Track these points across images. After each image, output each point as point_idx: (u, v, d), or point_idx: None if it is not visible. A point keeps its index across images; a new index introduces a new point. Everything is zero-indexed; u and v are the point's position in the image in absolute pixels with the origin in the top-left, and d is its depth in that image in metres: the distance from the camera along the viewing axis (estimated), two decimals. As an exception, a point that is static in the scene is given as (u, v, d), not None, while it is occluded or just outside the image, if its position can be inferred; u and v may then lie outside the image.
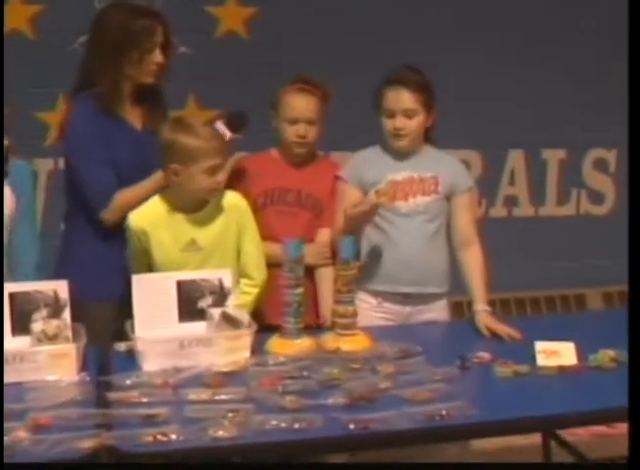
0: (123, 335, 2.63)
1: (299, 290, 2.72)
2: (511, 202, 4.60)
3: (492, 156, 4.35)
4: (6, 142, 2.64)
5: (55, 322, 2.50)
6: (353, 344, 2.72)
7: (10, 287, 2.52)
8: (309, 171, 3.18)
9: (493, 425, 2.25)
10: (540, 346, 2.64)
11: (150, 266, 2.82)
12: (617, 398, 2.27)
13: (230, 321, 2.62)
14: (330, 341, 2.74)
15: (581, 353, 2.62)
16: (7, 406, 2.14)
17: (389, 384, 2.39)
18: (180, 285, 2.65)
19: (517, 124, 4.43)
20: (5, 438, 1.98)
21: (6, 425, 2.04)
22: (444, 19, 4.28)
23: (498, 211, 4.56)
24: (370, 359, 2.58)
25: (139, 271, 2.74)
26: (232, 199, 2.84)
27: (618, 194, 4.78)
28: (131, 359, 2.54)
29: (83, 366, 2.47)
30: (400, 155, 3.09)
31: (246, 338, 2.59)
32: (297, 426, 2.12)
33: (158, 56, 2.87)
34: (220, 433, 2.06)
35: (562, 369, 2.57)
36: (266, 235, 3.02)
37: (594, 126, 4.59)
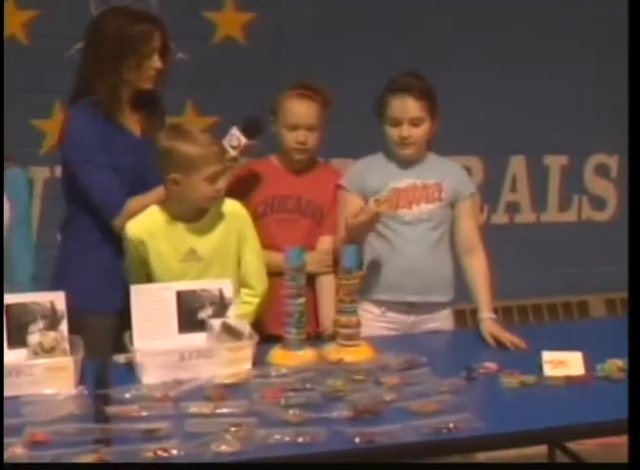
0: (122, 347, 2.58)
1: (301, 300, 2.67)
2: (512, 208, 4.57)
3: (494, 162, 4.31)
4: None
5: (52, 334, 2.45)
6: (356, 354, 2.68)
7: (6, 298, 2.47)
8: (309, 178, 3.14)
9: (501, 438, 2.20)
10: (547, 356, 2.61)
11: (148, 277, 2.77)
12: (626, 409, 2.21)
13: (231, 332, 2.57)
14: (332, 352, 2.70)
15: (589, 363, 2.58)
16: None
17: (394, 396, 2.35)
18: (180, 295, 2.61)
19: (518, 130, 4.39)
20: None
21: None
22: (445, 25, 4.25)
23: (500, 217, 4.52)
24: (374, 370, 2.53)
25: (137, 282, 2.69)
26: (232, 207, 2.80)
27: (620, 200, 4.75)
28: (130, 372, 2.49)
29: (81, 379, 2.42)
30: (404, 162, 3.05)
31: (247, 349, 2.55)
32: (301, 440, 2.07)
33: (156, 61, 2.83)
34: (223, 448, 2.01)
35: (569, 379, 2.53)
36: (266, 243, 2.97)
37: (595, 132, 4.55)
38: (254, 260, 2.85)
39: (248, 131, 2.88)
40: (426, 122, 2.97)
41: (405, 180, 3.02)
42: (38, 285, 2.74)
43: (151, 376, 2.43)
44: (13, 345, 2.45)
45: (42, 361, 2.38)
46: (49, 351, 2.42)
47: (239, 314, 2.68)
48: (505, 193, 4.50)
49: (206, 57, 3.78)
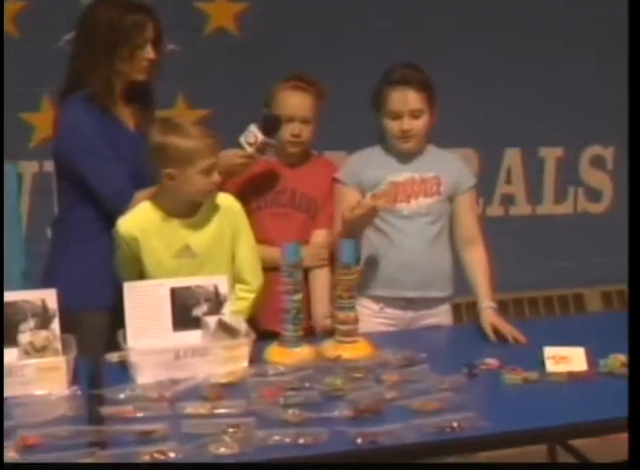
0: (115, 345, 2.52)
1: (298, 296, 2.62)
2: (508, 200, 4.52)
3: (489, 154, 4.27)
4: None
5: (43, 333, 2.39)
6: (355, 351, 2.63)
7: (-3, 296, 2.41)
8: (304, 171, 3.09)
9: (506, 437, 2.15)
10: (549, 351, 2.57)
11: (140, 274, 2.71)
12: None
13: (227, 330, 2.52)
14: (330, 348, 2.65)
15: (591, 359, 2.54)
16: (-6, 424, 2.04)
17: (395, 394, 2.30)
18: (174, 292, 2.55)
19: (513, 122, 4.35)
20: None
21: (-6, 444, 1.93)
22: (441, 16, 4.20)
23: (495, 209, 4.47)
24: (373, 368, 2.49)
25: (129, 280, 2.63)
26: (225, 201, 2.74)
27: (616, 191, 4.71)
28: (124, 371, 2.44)
29: (74, 379, 2.36)
30: (402, 155, 2.99)
31: (244, 347, 2.49)
32: (301, 441, 2.02)
33: (149, 52, 2.77)
34: (222, 450, 1.96)
35: (572, 375, 2.50)
36: (261, 238, 2.92)
37: (591, 123, 4.51)
38: (249, 255, 2.79)
39: (265, 129, 2.85)
40: (425, 114, 2.92)
41: (403, 174, 2.97)
42: (28, 282, 2.70)
43: (145, 375, 2.37)
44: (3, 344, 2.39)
45: (33, 361, 2.32)
46: (40, 350, 2.36)
47: (234, 311, 2.63)
48: (500, 185, 4.46)
49: (198, 48, 3.72)
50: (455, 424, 2.12)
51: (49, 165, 3.59)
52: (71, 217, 2.87)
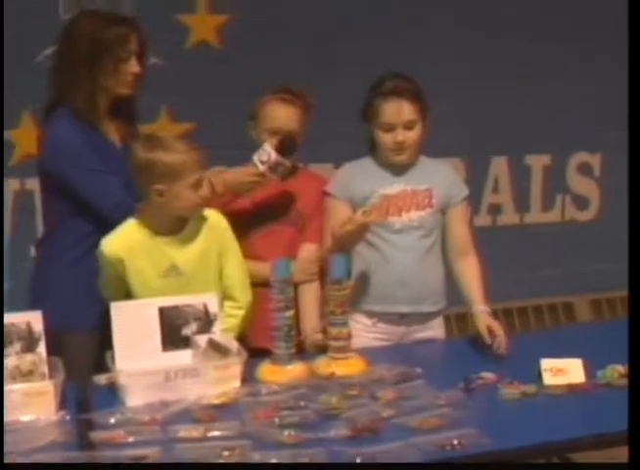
0: (103, 367, 2.46)
1: (290, 313, 2.57)
2: (495, 210, 4.49)
3: (475, 163, 4.24)
4: None
5: (29, 357, 2.33)
6: (348, 367, 2.58)
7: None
8: (290, 185, 3.03)
9: (508, 454, 2.10)
10: (546, 363, 2.54)
11: (126, 295, 2.64)
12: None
13: (218, 349, 2.47)
14: (323, 365, 2.60)
15: (588, 370, 2.51)
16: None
17: (392, 411, 2.26)
18: (162, 312, 2.49)
19: (499, 131, 4.32)
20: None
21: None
22: (425, 27, 4.16)
23: (483, 219, 4.44)
24: (368, 384, 2.44)
25: (114, 300, 2.55)
26: (211, 218, 2.68)
27: (603, 198, 4.68)
28: (113, 393, 2.37)
29: (62, 404, 2.29)
30: (394, 167, 2.94)
31: (235, 367, 2.44)
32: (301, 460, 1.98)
33: (133, 66, 2.72)
34: (217, 475, 1.91)
35: (570, 388, 2.47)
36: (248, 253, 2.86)
37: (577, 130, 4.48)
38: (237, 272, 2.74)
39: (280, 148, 2.80)
40: (419, 125, 2.87)
41: (395, 186, 2.92)
42: (14, 300, 2.65)
43: (135, 398, 2.31)
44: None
45: (20, 386, 2.26)
46: (27, 374, 2.30)
47: (223, 328, 2.57)
48: (487, 194, 4.42)
49: (180, 61, 3.67)
50: (455, 441, 2.08)
51: (31, 183, 3.54)
52: (59, 235, 2.80)
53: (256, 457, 1.98)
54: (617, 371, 2.53)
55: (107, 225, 2.62)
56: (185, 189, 2.53)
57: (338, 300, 2.60)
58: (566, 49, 4.41)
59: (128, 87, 2.75)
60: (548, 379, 2.49)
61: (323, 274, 2.86)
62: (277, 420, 2.19)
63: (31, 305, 2.61)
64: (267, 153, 2.79)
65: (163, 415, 2.22)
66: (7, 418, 2.18)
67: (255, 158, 2.80)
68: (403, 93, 2.83)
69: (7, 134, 3.74)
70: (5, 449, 2.02)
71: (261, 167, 2.79)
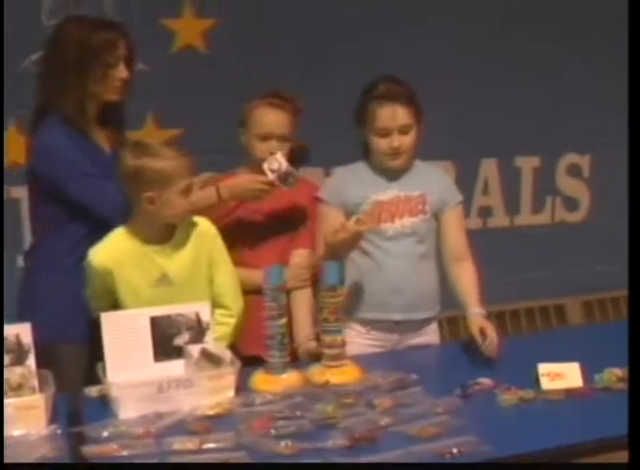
0: (94, 378, 2.41)
1: (283, 320, 2.54)
2: (485, 212, 4.46)
3: (465, 165, 4.21)
4: None
5: (19, 370, 2.27)
6: (343, 375, 2.55)
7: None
8: (280, 190, 2.98)
9: (508, 461, 2.07)
10: (543, 368, 2.51)
11: (115, 306, 2.59)
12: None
13: (211, 359, 2.43)
14: (318, 373, 2.57)
15: (585, 374, 2.49)
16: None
17: (389, 420, 2.23)
18: (154, 321, 2.45)
19: (488, 133, 4.29)
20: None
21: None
22: (414, 28, 4.12)
23: (473, 222, 4.40)
24: (364, 392, 2.41)
25: (102, 311, 2.50)
26: (201, 226, 2.65)
27: (593, 199, 4.66)
28: (104, 406, 2.33)
29: (53, 417, 2.25)
30: (388, 172, 2.89)
31: (229, 376, 2.40)
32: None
33: (122, 71, 2.68)
34: (214, 489, 1.87)
35: (568, 392, 2.44)
36: (240, 261, 2.84)
37: (566, 131, 4.46)
38: (228, 280, 2.70)
39: (291, 158, 2.78)
40: (413, 129, 2.84)
41: (388, 192, 2.87)
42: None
43: (128, 410, 2.27)
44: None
45: (10, 401, 2.20)
46: (17, 388, 2.25)
47: (215, 337, 2.53)
48: (477, 197, 4.39)
49: (166, 67, 3.63)
50: (455, 450, 2.05)
51: (16, 192, 3.49)
52: (49, 244, 2.76)
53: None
54: (614, 375, 2.51)
55: (99, 232, 2.58)
56: (175, 196, 2.50)
57: (331, 307, 2.57)
58: (557, 51, 4.38)
59: (117, 93, 2.72)
60: (546, 384, 2.46)
61: (316, 281, 2.83)
62: (273, 431, 2.16)
63: (19, 317, 2.57)
64: (278, 162, 2.76)
65: (157, 428, 2.18)
66: (-2, 432, 2.15)
67: (266, 166, 2.77)
68: (397, 97, 2.80)
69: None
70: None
71: (271, 176, 2.76)
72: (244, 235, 2.95)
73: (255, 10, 3.83)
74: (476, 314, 2.77)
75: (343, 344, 2.60)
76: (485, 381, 2.49)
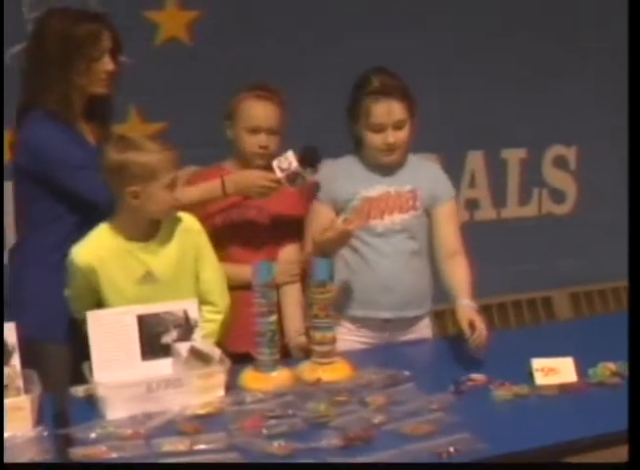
0: (80, 378, 2.36)
1: (273, 317, 2.50)
2: (472, 205, 4.43)
3: (451, 158, 4.17)
4: None
5: (3, 370, 2.22)
6: (334, 372, 2.51)
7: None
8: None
9: (506, 459, 2.04)
10: (537, 363, 2.49)
11: (97, 307, 2.51)
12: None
13: (200, 357, 2.38)
14: (308, 371, 2.53)
15: (579, 369, 2.47)
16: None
17: (383, 418, 2.19)
18: (141, 319, 2.40)
19: (475, 124, 4.25)
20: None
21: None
22: (399, 20, 4.08)
23: (460, 215, 4.36)
24: (356, 390, 2.38)
25: (83, 312, 2.45)
26: (185, 221, 2.60)
27: (580, 192, 4.64)
28: (91, 406, 2.28)
29: (39, 419, 2.19)
30: (379, 167, 2.84)
31: (219, 375, 2.36)
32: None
33: (107, 63, 2.62)
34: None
35: (563, 387, 2.42)
36: (227, 257, 2.80)
37: (553, 122, 4.44)
38: (214, 275, 2.65)
39: (303, 159, 2.71)
40: (408, 124, 2.79)
41: (378, 188, 2.82)
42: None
43: (116, 411, 2.22)
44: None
45: (-5, 402, 2.15)
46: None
47: (203, 335, 2.49)
48: (464, 190, 4.35)
49: (150, 59, 3.56)
50: (451, 448, 2.02)
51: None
52: (34, 242, 2.70)
53: None
54: (608, 369, 2.50)
55: (85, 229, 2.52)
56: (160, 190, 2.45)
57: (321, 303, 2.53)
58: (544, 44, 4.36)
59: (103, 86, 2.66)
60: (540, 379, 2.44)
61: (304, 277, 2.79)
62: (265, 430, 2.12)
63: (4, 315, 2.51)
64: (289, 161, 2.70)
65: (147, 428, 2.13)
66: (-19, 436, 2.09)
67: (275, 163, 2.71)
68: (392, 92, 2.74)
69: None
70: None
71: (279, 174, 2.70)
72: (232, 230, 2.90)
73: (240, 1, 3.77)
74: (465, 306, 2.70)
75: (334, 340, 2.56)
76: (479, 377, 2.47)
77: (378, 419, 2.18)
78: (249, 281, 2.55)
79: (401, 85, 2.78)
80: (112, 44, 2.63)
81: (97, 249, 2.49)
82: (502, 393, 2.36)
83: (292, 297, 2.90)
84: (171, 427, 2.16)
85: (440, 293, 2.86)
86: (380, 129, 2.76)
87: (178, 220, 2.58)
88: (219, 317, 2.64)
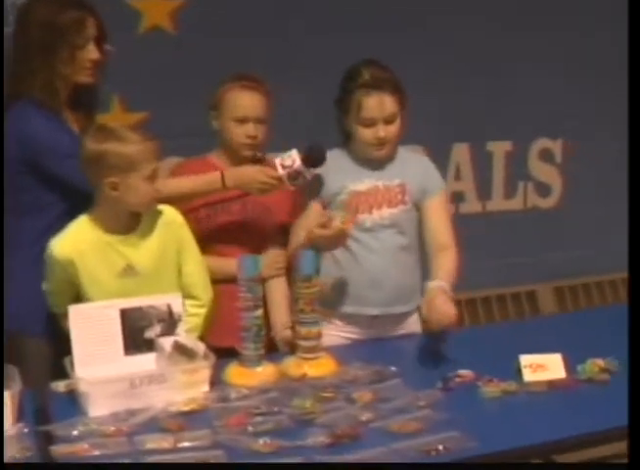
0: (61, 373, 2.32)
1: (258, 312, 2.46)
2: (457, 198, 4.39)
3: (436, 150, 4.13)
4: None
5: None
6: (320, 368, 2.49)
7: None
8: None
9: (496, 457, 2.01)
10: (525, 359, 2.46)
11: (76, 301, 2.46)
12: (617, 414, 2.11)
13: (184, 352, 2.34)
14: (293, 366, 2.50)
15: (568, 365, 2.44)
16: None
17: (370, 415, 2.16)
18: (124, 314, 2.37)
19: (460, 116, 4.21)
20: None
21: None
22: (384, 11, 4.03)
23: (446, 208, 4.35)
24: (342, 385, 2.35)
25: (63, 306, 2.43)
26: (167, 214, 2.55)
27: (565, 185, 4.62)
28: (73, 402, 2.24)
29: (19, 416, 2.14)
30: (368, 162, 2.80)
31: (204, 371, 2.32)
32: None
33: (92, 52, 2.57)
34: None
35: (551, 384, 2.39)
36: (212, 250, 2.77)
37: (538, 116, 4.41)
38: (197, 269, 2.61)
39: (306, 158, 2.67)
40: (398, 118, 2.74)
41: (366, 182, 2.77)
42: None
43: (98, 407, 2.18)
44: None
45: (-26, 398, 2.10)
46: (-20, 385, 2.15)
47: (186, 329, 2.45)
48: (450, 183, 4.29)
49: (132, 48, 3.50)
50: (440, 446, 1.99)
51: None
52: (17, 235, 2.63)
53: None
54: (597, 365, 2.48)
55: (64, 222, 2.47)
56: (140, 181, 2.40)
57: (307, 297, 2.50)
58: (529, 36, 4.32)
59: (87, 75, 2.61)
60: (528, 375, 2.41)
61: (291, 271, 2.75)
62: (250, 427, 2.08)
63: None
64: (292, 159, 2.66)
65: (129, 425, 2.09)
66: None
67: (278, 161, 2.68)
68: (383, 86, 2.69)
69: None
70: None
71: (281, 171, 2.66)
72: (217, 223, 2.86)
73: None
74: (435, 286, 2.63)
75: (319, 335, 2.53)
76: (466, 373, 2.43)
77: (365, 416, 2.14)
78: (233, 274, 2.52)
79: (392, 78, 2.73)
80: (97, 32, 2.58)
81: (76, 241, 2.44)
82: (490, 389, 2.33)
83: (278, 290, 2.87)
84: (155, 424, 2.12)
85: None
86: (371, 123, 2.71)
87: (160, 213, 2.53)
88: (202, 311, 2.60)
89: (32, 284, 2.54)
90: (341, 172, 2.78)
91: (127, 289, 2.45)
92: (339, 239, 2.64)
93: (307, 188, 2.77)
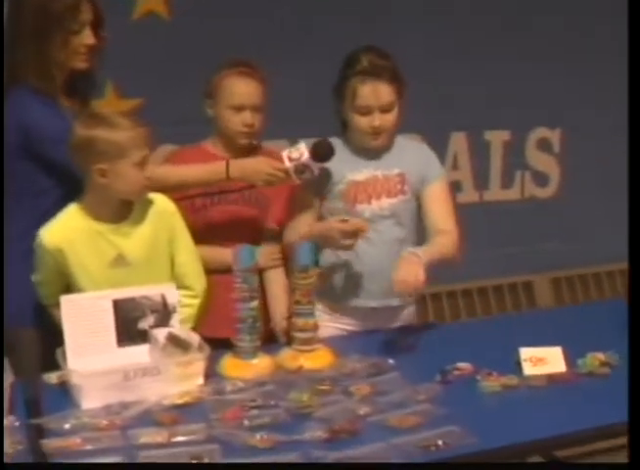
0: (53, 365, 2.28)
1: (254, 303, 2.42)
2: (455, 187, 4.33)
3: (434, 139, 4.08)
4: None
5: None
6: (316, 360, 2.45)
7: None
8: None
9: (497, 453, 1.98)
10: (525, 353, 2.43)
11: (66, 292, 2.41)
12: (618, 408, 2.07)
13: (178, 344, 2.30)
14: (289, 358, 2.47)
15: (568, 358, 2.41)
16: None
17: (368, 409, 2.12)
18: (117, 304, 2.33)
19: (458, 105, 4.17)
20: None
21: None
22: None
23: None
24: (339, 378, 2.31)
25: (53, 297, 2.39)
26: (159, 203, 2.50)
27: (563, 175, 4.58)
28: (65, 394, 2.20)
29: (10, 408, 2.10)
30: (366, 151, 2.75)
31: (198, 363, 2.28)
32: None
33: (87, 37, 2.51)
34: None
35: (551, 378, 2.36)
36: (209, 239, 2.72)
37: (537, 105, 4.36)
38: (190, 259, 2.56)
39: (315, 152, 2.63)
40: (396, 106, 2.69)
41: (365, 171, 2.73)
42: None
43: (91, 400, 2.14)
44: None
45: (-36, 391, 2.07)
46: (-30, 378, 2.11)
47: (180, 320, 2.41)
48: (447, 171, 4.24)
49: (127, 34, 3.44)
50: (440, 441, 1.95)
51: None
52: (9, 228, 2.57)
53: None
54: (597, 359, 2.45)
55: (53, 214, 2.42)
56: (130, 168, 2.35)
57: (304, 289, 2.47)
58: (526, 25, 4.28)
59: (83, 61, 2.56)
60: (528, 369, 2.38)
61: (287, 261, 2.72)
62: (246, 421, 2.04)
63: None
64: (300, 152, 2.61)
65: (123, 419, 2.05)
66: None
67: (285, 153, 2.63)
68: (381, 73, 2.63)
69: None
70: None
71: (288, 164, 2.62)
72: (214, 211, 2.82)
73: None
74: (408, 256, 2.54)
75: (316, 327, 2.50)
76: (465, 366, 2.40)
77: (363, 410, 2.11)
78: (227, 264, 2.48)
79: (391, 66, 2.67)
80: (92, 17, 2.53)
81: (66, 230, 2.39)
82: (489, 383, 2.29)
83: (277, 281, 2.83)
84: (148, 417, 2.08)
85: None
86: (366, 112, 2.66)
87: (151, 202, 2.48)
88: (196, 302, 2.56)
89: (21, 277, 2.49)
90: (339, 162, 2.72)
91: (118, 279, 2.41)
92: (354, 236, 2.58)
93: (313, 183, 2.72)
